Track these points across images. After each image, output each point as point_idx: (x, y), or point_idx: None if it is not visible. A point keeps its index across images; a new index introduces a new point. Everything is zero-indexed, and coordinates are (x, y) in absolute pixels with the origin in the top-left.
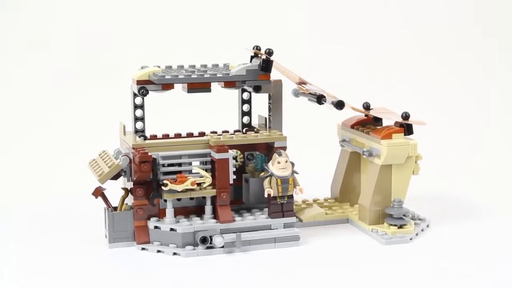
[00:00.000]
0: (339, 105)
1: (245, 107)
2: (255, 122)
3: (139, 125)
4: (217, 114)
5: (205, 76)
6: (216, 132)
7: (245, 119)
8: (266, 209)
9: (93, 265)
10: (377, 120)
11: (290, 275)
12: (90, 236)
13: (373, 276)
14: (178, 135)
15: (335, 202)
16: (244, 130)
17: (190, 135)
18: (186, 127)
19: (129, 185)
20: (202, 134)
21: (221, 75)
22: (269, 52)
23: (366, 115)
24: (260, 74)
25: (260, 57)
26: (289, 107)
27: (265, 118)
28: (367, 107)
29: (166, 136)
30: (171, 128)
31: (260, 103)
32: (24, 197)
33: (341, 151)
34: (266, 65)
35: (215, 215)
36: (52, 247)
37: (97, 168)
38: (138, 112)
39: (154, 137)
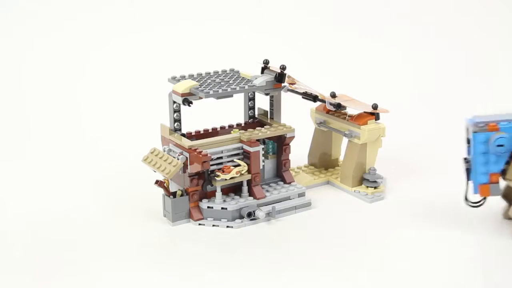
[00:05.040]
0: (339, 106)
1: (250, 103)
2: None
3: (177, 125)
4: (222, 108)
5: (239, 88)
6: (233, 126)
7: (250, 112)
8: (280, 182)
9: (166, 238)
10: (340, 107)
11: (316, 234)
12: (152, 216)
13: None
14: (206, 131)
15: (313, 168)
16: (250, 121)
17: (215, 129)
18: (201, 121)
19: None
20: (224, 127)
21: (248, 86)
22: (283, 67)
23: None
24: (275, 84)
25: (270, 68)
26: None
27: (267, 112)
28: (333, 95)
29: (198, 132)
30: (189, 123)
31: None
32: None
33: (315, 129)
34: (281, 77)
35: (250, 193)
36: (120, 227)
37: (159, 165)
38: (176, 115)
39: (189, 134)
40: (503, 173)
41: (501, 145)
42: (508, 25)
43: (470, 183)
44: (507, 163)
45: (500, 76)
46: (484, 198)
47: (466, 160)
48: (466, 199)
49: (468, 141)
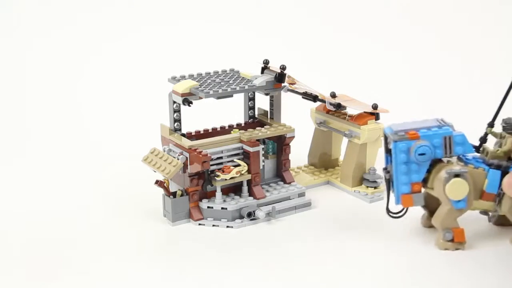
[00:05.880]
0: (339, 106)
1: (250, 103)
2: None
3: (177, 125)
4: (222, 108)
5: (239, 88)
6: (233, 126)
7: (250, 112)
8: (280, 182)
9: (166, 238)
10: (340, 107)
11: (316, 234)
12: (152, 216)
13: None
14: (206, 131)
15: (313, 168)
16: (250, 121)
17: (215, 129)
18: (201, 121)
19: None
20: (224, 127)
21: (248, 86)
22: (283, 67)
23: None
24: (275, 83)
25: (270, 68)
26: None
27: (267, 111)
28: (333, 95)
29: (198, 132)
30: (189, 123)
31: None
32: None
33: (315, 129)
34: (281, 77)
35: (250, 193)
36: (120, 227)
37: (159, 165)
38: (176, 115)
39: (189, 134)
40: (424, 181)
41: (423, 154)
42: (507, 25)
43: (392, 193)
44: (428, 171)
45: (499, 76)
46: (406, 208)
47: (387, 170)
48: (388, 210)
49: (387, 151)
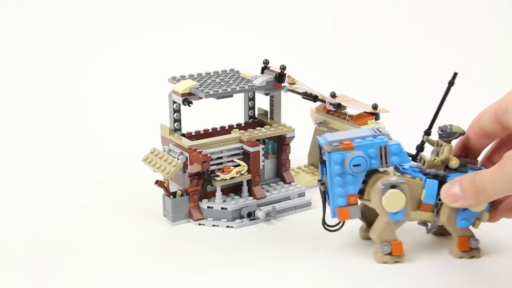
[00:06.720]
0: (339, 106)
1: (250, 103)
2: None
3: (177, 125)
4: (222, 108)
5: (239, 88)
6: (233, 126)
7: (250, 112)
8: (280, 182)
9: (166, 238)
10: (340, 107)
11: (316, 234)
12: (152, 216)
13: None
14: (206, 131)
15: (313, 168)
16: (250, 121)
17: (215, 129)
18: (201, 121)
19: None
20: (224, 127)
21: (248, 86)
22: (283, 67)
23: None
24: (275, 83)
25: (269, 68)
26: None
27: (267, 111)
28: (333, 95)
29: (198, 132)
30: (189, 123)
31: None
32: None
33: (315, 129)
34: (281, 77)
35: (250, 193)
36: (120, 227)
37: (159, 165)
38: (176, 115)
39: (189, 134)
40: (361, 193)
41: (358, 165)
42: (507, 25)
43: (328, 206)
44: (364, 182)
45: (499, 76)
46: (343, 222)
47: (322, 182)
48: (324, 223)
49: (322, 162)
